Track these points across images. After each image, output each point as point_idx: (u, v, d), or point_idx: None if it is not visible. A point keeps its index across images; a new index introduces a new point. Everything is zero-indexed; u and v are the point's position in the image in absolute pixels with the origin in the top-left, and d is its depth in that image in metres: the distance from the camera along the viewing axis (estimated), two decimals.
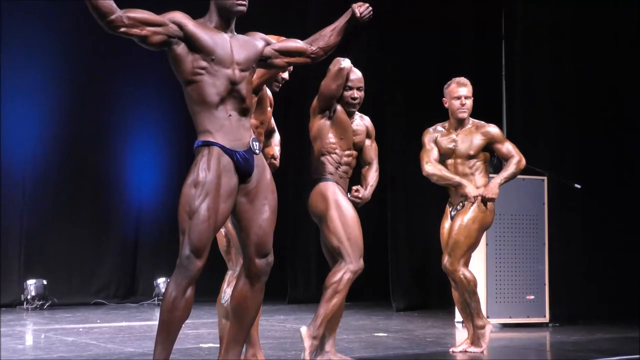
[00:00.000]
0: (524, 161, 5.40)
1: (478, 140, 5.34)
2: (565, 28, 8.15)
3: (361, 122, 4.86)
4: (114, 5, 3.28)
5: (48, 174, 8.68)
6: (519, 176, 7.05)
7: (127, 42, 3.63)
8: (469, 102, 5.37)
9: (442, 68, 8.51)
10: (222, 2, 3.50)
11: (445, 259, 5.30)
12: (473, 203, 5.26)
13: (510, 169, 5.37)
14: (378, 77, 8.36)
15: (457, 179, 5.29)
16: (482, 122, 5.43)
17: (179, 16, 3.42)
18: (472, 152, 5.33)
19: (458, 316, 6.92)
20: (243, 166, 3.43)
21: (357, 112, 4.84)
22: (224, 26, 3.52)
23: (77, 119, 8.79)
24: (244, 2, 3.51)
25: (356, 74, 4.71)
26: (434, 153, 5.38)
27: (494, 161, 5.87)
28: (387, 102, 8.80)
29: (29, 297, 8.22)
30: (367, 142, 4.86)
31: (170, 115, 9.02)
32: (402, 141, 8.51)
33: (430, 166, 5.35)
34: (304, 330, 4.51)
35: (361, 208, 4.74)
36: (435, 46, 9.02)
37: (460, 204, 5.32)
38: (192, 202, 3.31)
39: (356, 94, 4.71)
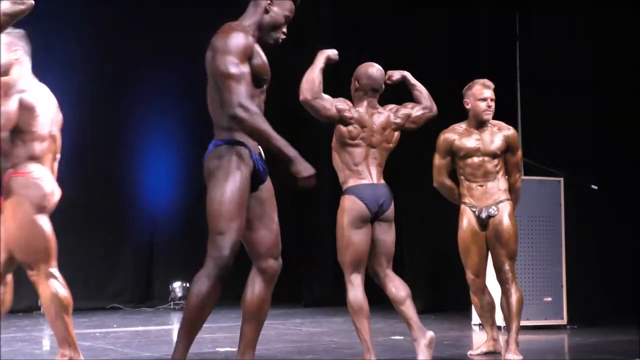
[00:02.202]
0: (519, 182, 5.39)
1: (500, 140, 5.27)
2: (580, 27, 8.11)
3: None
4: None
5: (62, 179, 8.61)
6: (535, 177, 7.04)
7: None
8: (493, 105, 5.31)
9: (457, 68, 8.47)
10: (271, 29, 3.52)
11: (507, 266, 5.18)
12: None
13: (517, 195, 5.39)
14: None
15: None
16: (502, 123, 5.37)
17: (245, 56, 3.35)
18: (498, 152, 5.27)
19: (475, 319, 6.89)
20: (262, 174, 3.44)
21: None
22: (258, 39, 3.52)
23: (93, 123, 8.78)
24: (284, 37, 3.57)
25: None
26: (442, 167, 5.39)
27: None
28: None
29: None
30: None
31: (185, 121, 9.02)
32: (417, 143, 8.47)
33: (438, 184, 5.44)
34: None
35: None
36: (449, 46, 8.97)
37: (493, 207, 5.26)
38: (235, 205, 3.30)
39: None
